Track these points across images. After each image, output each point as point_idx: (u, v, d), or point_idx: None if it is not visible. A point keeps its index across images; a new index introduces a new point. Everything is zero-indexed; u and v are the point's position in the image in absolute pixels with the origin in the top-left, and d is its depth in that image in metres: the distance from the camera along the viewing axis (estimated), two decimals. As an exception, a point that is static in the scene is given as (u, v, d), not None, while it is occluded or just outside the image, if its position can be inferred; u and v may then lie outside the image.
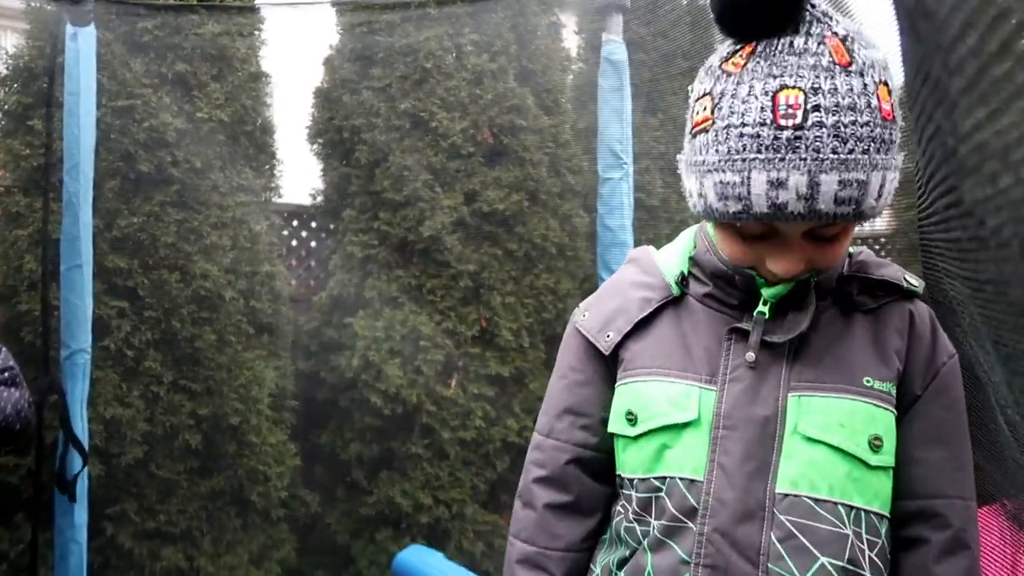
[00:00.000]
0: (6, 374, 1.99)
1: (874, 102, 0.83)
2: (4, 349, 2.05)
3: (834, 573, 0.89)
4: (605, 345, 1.06)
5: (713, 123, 0.87)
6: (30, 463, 2.59)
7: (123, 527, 2.82)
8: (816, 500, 0.91)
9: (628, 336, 1.05)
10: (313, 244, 4.26)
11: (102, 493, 2.72)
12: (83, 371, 2.54)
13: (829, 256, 0.92)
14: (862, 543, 0.91)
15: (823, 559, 0.89)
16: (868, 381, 0.94)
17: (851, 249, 1.02)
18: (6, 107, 2.94)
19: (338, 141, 3.72)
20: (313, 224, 4.22)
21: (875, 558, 0.92)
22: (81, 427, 2.47)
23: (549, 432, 1.11)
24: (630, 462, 1.01)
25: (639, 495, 0.99)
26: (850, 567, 0.90)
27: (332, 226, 3.91)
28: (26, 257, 2.78)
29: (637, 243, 2.80)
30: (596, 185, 2.66)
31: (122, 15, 2.91)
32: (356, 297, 3.58)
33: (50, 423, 2.53)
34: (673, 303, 1.05)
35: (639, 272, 1.10)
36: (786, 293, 0.96)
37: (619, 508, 1.04)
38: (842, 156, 0.81)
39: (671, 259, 1.08)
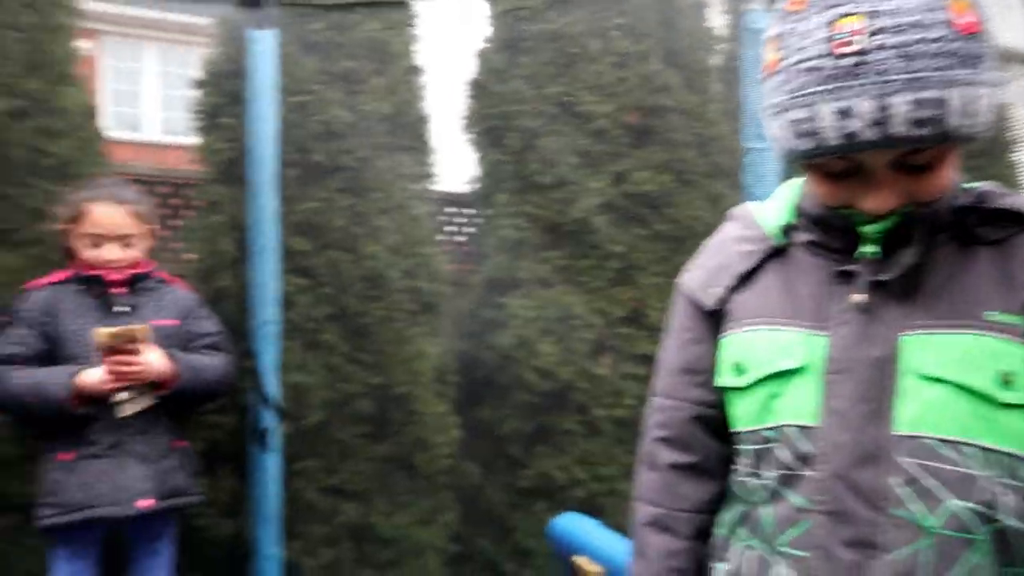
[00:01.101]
0: (215, 339, 2.24)
1: (945, 16, 0.79)
2: (216, 318, 2.30)
3: (963, 517, 0.85)
4: (710, 301, 1.05)
5: (779, 64, 0.87)
6: (232, 421, 2.91)
7: (308, 483, 3.09)
8: (939, 440, 0.86)
9: (732, 290, 1.03)
10: (469, 229, 4.46)
11: (290, 451, 2.99)
12: (271, 340, 2.82)
13: (927, 186, 0.88)
14: (996, 486, 0.85)
15: (950, 502, 0.85)
16: (992, 315, 0.88)
17: (975, 184, 0.97)
18: (202, 107, 3.30)
19: (490, 129, 3.89)
20: (468, 210, 4.42)
21: (1015, 502, 0.86)
22: (273, 389, 2.74)
23: (668, 392, 1.11)
24: (740, 415, 1.00)
25: (752, 447, 0.98)
26: (983, 509, 0.85)
27: (486, 211, 4.08)
28: (223, 240, 3.11)
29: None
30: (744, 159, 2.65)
31: (295, 17, 3.21)
32: (510, 278, 3.72)
33: (247, 386, 2.82)
34: (776, 255, 1.02)
35: (740, 228, 1.09)
36: (893, 229, 0.91)
37: (735, 466, 1.03)
38: (911, 76, 0.79)
39: (772, 211, 1.06)
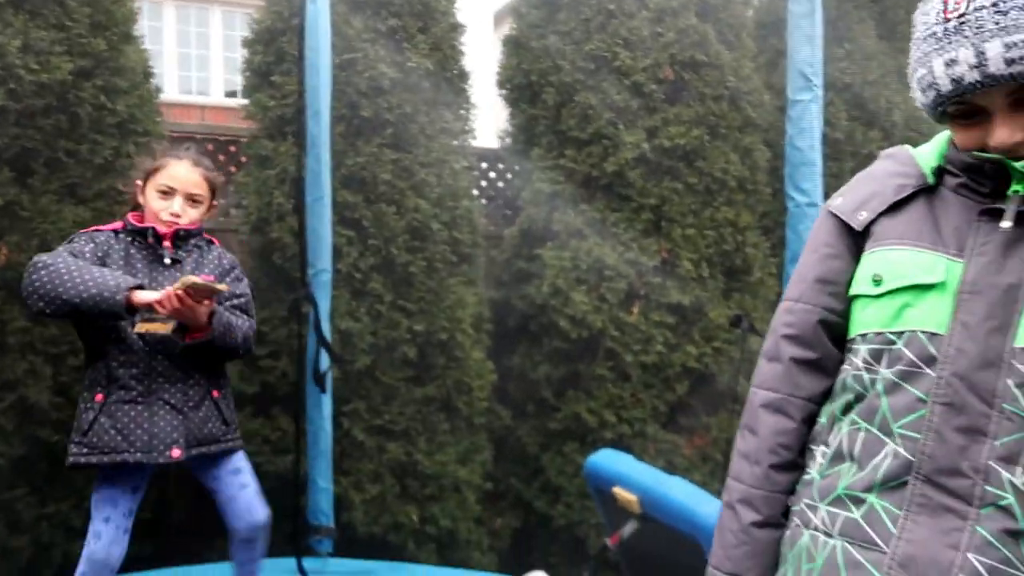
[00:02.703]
0: (244, 301, 2.25)
1: None
2: (247, 281, 2.32)
3: None
4: (859, 222, 1.18)
5: (913, 40, 1.08)
6: (283, 366, 3.11)
7: (356, 423, 3.31)
8: None
9: (881, 215, 1.17)
10: (500, 184, 4.58)
11: (339, 393, 3.20)
12: (325, 288, 3.00)
13: None
14: None
15: None
16: None
17: None
18: (252, 66, 3.43)
19: (525, 85, 3.98)
20: (501, 165, 4.53)
21: None
22: (326, 334, 2.93)
23: (799, 297, 1.23)
24: (867, 319, 1.14)
25: (871, 347, 1.12)
26: None
27: (518, 166, 4.20)
28: (274, 193, 3.27)
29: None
30: (785, 108, 2.73)
31: (344, -23, 3.30)
32: (544, 230, 3.86)
33: (302, 331, 3.01)
34: (927, 191, 1.16)
35: (895, 164, 1.23)
36: None
37: (844, 365, 1.17)
38: (1002, 24, 0.97)
39: (927, 154, 1.20)
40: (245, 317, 2.20)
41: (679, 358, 3.80)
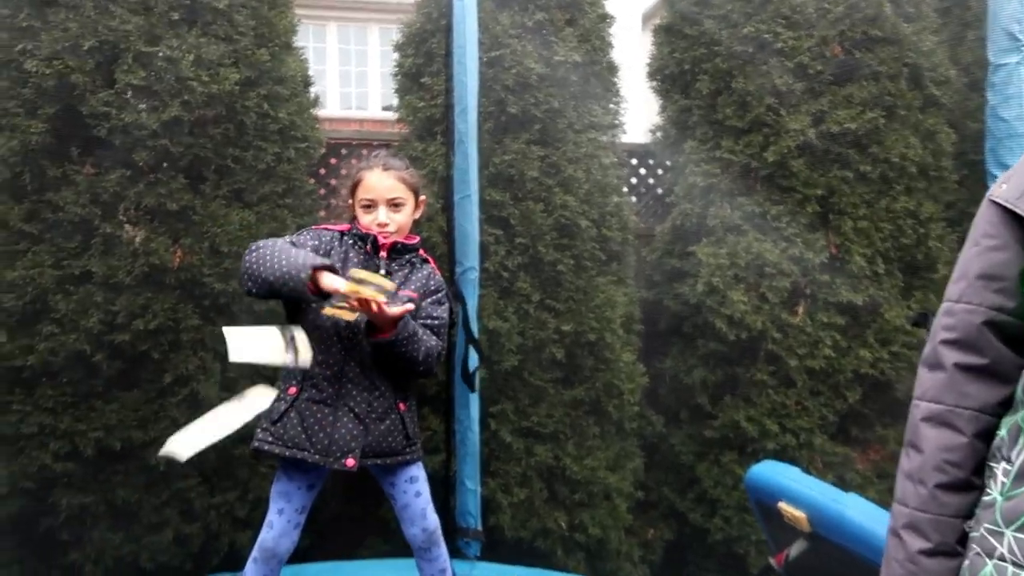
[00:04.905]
0: (437, 324, 2.22)
1: None
2: (446, 305, 2.29)
3: None
4: None
5: None
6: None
7: (503, 424, 3.26)
8: None
9: None
10: (651, 181, 4.41)
11: (486, 394, 3.17)
12: (473, 286, 2.97)
13: None
14: None
15: None
16: None
17: None
18: (403, 69, 3.47)
19: (678, 74, 3.79)
20: (651, 161, 4.36)
21: None
22: (475, 332, 2.89)
23: (959, 297, 1.11)
24: None
25: None
26: None
27: (669, 161, 4.01)
28: (426, 193, 3.28)
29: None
30: (986, 76, 2.40)
31: (491, -26, 3.27)
32: (699, 226, 3.65)
33: (449, 330, 3.00)
34: None
35: None
36: None
37: None
38: None
39: None
40: (435, 338, 2.20)
41: (850, 363, 3.47)
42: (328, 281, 1.98)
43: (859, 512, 2.22)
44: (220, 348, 3.03)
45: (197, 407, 2.97)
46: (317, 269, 1.98)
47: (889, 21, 3.47)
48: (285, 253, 2.02)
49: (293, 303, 2.15)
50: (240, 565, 2.27)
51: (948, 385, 1.08)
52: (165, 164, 2.99)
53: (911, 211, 3.51)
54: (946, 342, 1.10)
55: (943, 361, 1.10)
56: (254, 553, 2.19)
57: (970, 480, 1.05)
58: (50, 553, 2.93)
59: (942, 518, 1.05)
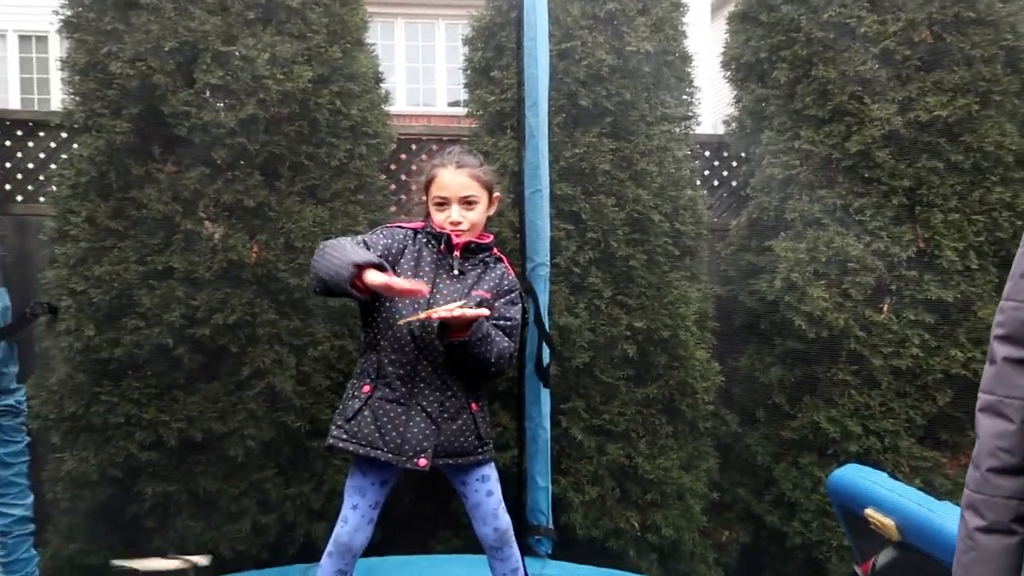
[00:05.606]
0: (510, 325, 2.21)
1: None
2: (520, 306, 2.27)
3: None
4: None
5: None
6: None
7: (574, 422, 3.22)
8: None
9: None
10: (725, 173, 4.29)
11: (557, 391, 3.13)
12: (544, 281, 2.94)
13: None
14: None
15: None
16: None
17: None
18: (472, 63, 3.46)
19: (754, 63, 3.67)
20: (725, 153, 4.24)
21: None
22: (546, 328, 2.86)
23: (1008, 295, 1.19)
24: None
25: None
26: None
27: (745, 153, 3.89)
28: (497, 188, 3.26)
29: None
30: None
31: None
32: (776, 220, 3.53)
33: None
34: None
35: None
36: None
37: None
38: None
39: None
40: (507, 340, 2.18)
41: (940, 363, 3.30)
42: (371, 278, 1.96)
43: (953, 521, 2.10)
44: (295, 342, 3.08)
45: (274, 400, 3.03)
46: (361, 267, 1.96)
47: (983, 1, 3.27)
48: (339, 251, 2.02)
49: (369, 300, 2.14)
50: (315, 556, 2.30)
51: (999, 377, 1.17)
52: (242, 161, 3.06)
53: (1007, 203, 3.31)
54: (997, 337, 1.19)
55: (994, 355, 1.19)
56: (329, 547, 2.22)
57: (1022, 465, 1.14)
58: (136, 540, 3.03)
59: (995, 499, 1.15)
